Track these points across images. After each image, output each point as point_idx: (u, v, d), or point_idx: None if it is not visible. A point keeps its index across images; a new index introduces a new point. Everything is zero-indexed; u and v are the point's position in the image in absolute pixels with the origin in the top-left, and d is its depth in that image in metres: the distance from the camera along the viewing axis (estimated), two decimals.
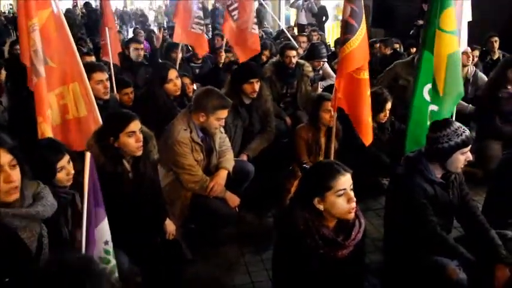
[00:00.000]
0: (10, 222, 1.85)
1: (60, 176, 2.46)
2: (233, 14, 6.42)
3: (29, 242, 1.94)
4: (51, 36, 3.04)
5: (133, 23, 21.57)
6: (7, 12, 19.53)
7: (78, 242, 2.53)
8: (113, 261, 2.53)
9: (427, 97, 3.50)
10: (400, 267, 2.95)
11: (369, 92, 3.63)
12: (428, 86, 3.49)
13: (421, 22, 9.44)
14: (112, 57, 5.94)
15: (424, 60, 3.48)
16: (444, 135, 2.74)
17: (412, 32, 9.69)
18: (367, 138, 3.72)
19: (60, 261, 1.26)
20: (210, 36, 9.86)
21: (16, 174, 1.82)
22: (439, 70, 3.45)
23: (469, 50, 5.57)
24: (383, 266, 3.30)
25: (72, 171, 2.50)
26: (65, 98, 3.10)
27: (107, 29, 6.15)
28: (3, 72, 5.39)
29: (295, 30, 11.80)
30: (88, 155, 2.51)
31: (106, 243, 2.53)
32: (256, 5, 6.44)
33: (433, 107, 3.51)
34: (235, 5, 6.39)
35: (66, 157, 2.49)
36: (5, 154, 1.78)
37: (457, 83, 3.57)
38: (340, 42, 3.57)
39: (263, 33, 10.02)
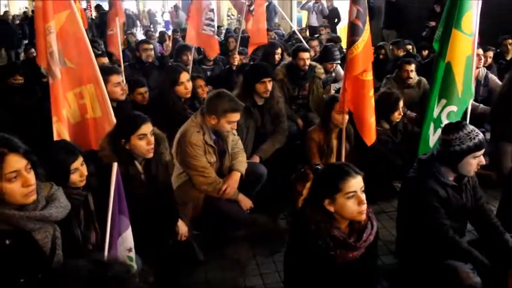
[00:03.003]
0: (25, 225, 1.87)
1: (74, 177, 2.49)
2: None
3: (43, 243, 1.96)
4: (69, 38, 3.09)
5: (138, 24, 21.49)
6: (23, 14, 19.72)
7: (90, 243, 2.57)
8: (135, 267, 2.57)
9: (443, 100, 3.53)
10: (413, 270, 2.94)
11: (371, 93, 3.64)
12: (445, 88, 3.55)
13: (433, 23, 9.42)
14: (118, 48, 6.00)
15: (441, 63, 3.54)
16: (456, 138, 2.71)
17: (424, 33, 9.66)
18: (370, 139, 3.74)
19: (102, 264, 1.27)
20: (222, 38, 9.87)
21: (32, 178, 1.84)
22: (458, 71, 3.48)
23: (481, 51, 5.56)
24: (395, 269, 3.29)
25: (86, 173, 2.53)
26: (84, 98, 3.16)
27: (117, 19, 6.18)
28: (20, 81, 5.45)
29: (307, 33, 11.78)
30: (115, 165, 2.56)
31: (129, 250, 2.58)
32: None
33: (452, 108, 3.53)
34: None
35: (80, 159, 2.51)
36: (21, 159, 1.81)
37: (471, 84, 3.59)
38: (347, 44, 3.57)
39: (275, 35, 10.03)
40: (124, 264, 1.33)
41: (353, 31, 3.47)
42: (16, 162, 1.79)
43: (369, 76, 3.60)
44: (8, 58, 13.31)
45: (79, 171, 2.50)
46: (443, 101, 3.57)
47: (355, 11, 3.44)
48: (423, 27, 9.78)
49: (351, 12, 3.47)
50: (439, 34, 3.76)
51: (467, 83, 3.56)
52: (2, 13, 15.69)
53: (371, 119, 3.67)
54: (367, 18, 3.49)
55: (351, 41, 3.48)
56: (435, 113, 3.59)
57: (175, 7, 20.45)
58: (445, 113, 3.56)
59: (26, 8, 22.54)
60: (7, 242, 1.83)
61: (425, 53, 7.57)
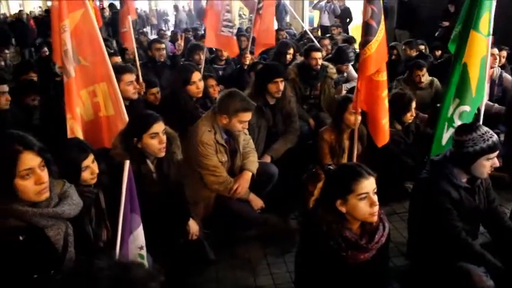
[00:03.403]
0: (38, 221, 1.88)
1: (85, 175, 2.51)
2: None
3: (56, 240, 1.98)
4: (83, 36, 3.13)
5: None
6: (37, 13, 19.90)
7: (101, 241, 2.59)
8: (146, 265, 2.58)
9: (457, 100, 3.52)
10: (424, 272, 2.91)
11: (385, 94, 3.62)
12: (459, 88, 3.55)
13: (446, 23, 9.34)
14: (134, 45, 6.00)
15: (458, 64, 3.54)
16: (470, 140, 2.69)
17: (437, 33, 9.57)
18: (381, 140, 3.72)
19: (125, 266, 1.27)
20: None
21: (46, 175, 1.86)
22: (473, 71, 3.47)
23: (496, 51, 5.51)
24: (406, 271, 3.27)
25: (97, 171, 2.55)
26: (97, 96, 3.19)
27: (129, 17, 6.21)
28: (34, 76, 5.51)
29: (319, 32, 11.75)
30: (127, 163, 2.57)
31: (141, 248, 2.59)
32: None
33: (465, 108, 3.52)
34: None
35: (91, 156, 2.54)
36: (35, 156, 1.82)
37: (484, 84, 3.59)
38: (361, 44, 3.55)
39: (286, 34, 10.01)
40: (143, 267, 1.34)
41: (367, 31, 3.45)
42: (30, 160, 1.80)
43: (383, 77, 3.58)
44: (21, 56, 13.46)
45: (90, 169, 2.52)
46: (457, 101, 3.56)
47: (369, 11, 3.42)
48: (436, 27, 9.69)
49: (365, 12, 3.45)
50: (456, 35, 3.75)
51: (481, 83, 3.55)
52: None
53: (383, 121, 3.65)
54: (382, 17, 3.47)
55: (365, 41, 3.46)
56: (449, 113, 3.58)
57: (175, 7, 20.53)
58: (458, 112, 3.55)
59: (40, 7, 22.76)
60: (21, 238, 1.85)
61: (438, 53, 7.50)
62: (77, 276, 1.26)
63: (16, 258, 1.79)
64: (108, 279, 1.19)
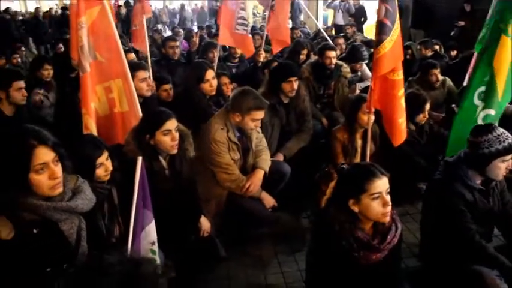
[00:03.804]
0: (51, 215, 1.90)
1: (99, 171, 2.53)
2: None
3: (69, 234, 1.99)
4: (100, 32, 3.16)
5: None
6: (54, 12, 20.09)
7: (114, 237, 2.61)
8: (158, 261, 2.60)
9: (477, 101, 3.49)
10: (437, 274, 2.89)
11: (401, 93, 3.59)
12: (481, 89, 3.53)
13: (462, 23, 9.23)
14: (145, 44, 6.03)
15: (482, 65, 3.52)
16: (485, 141, 2.66)
17: (453, 33, 9.47)
18: (398, 139, 3.68)
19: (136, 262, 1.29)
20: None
21: (59, 170, 1.87)
22: (500, 75, 3.47)
23: None
24: (419, 272, 3.24)
25: (110, 168, 2.57)
26: (113, 92, 3.22)
27: (144, 16, 6.21)
28: (50, 69, 5.58)
29: (333, 31, 11.70)
30: (140, 159, 2.59)
31: (153, 244, 2.61)
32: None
33: (489, 111, 3.50)
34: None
35: (105, 154, 2.56)
36: (49, 151, 1.84)
37: (510, 88, 3.57)
38: (375, 43, 3.52)
39: (300, 33, 9.99)
40: (153, 263, 1.35)
41: (381, 30, 3.43)
42: (44, 154, 1.82)
43: (399, 76, 3.55)
44: (38, 53, 13.61)
45: (104, 166, 2.54)
46: (482, 104, 3.54)
47: (383, 10, 3.39)
48: (452, 27, 9.59)
49: (380, 11, 3.42)
50: (485, 37, 3.72)
51: (508, 87, 3.54)
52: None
53: (400, 120, 3.62)
54: (397, 16, 3.44)
55: (378, 40, 3.43)
56: (472, 114, 3.57)
57: (182, 6, 20.66)
58: (483, 115, 3.53)
59: (56, 5, 22.97)
60: (35, 231, 1.87)
61: (453, 53, 7.41)
62: (88, 270, 1.27)
63: (30, 251, 1.81)
64: (119, 274, 1.20)
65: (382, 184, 2.20)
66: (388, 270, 2.37)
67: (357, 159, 4.18)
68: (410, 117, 4.28)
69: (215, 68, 5.68)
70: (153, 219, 2.63)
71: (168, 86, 4.84)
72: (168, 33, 15.44)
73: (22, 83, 4.22)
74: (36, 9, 16.21)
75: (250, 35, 6.79)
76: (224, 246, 3.59)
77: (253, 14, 20.00)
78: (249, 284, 3.40)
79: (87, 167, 2.46)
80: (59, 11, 17.38)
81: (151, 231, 2.61)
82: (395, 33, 3.43)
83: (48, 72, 5.54)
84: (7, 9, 17.16)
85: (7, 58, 8.18)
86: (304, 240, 3.64)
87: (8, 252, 1.76)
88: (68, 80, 5.71)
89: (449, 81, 5.56)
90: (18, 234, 1.80)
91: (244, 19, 6.48)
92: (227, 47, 7.46)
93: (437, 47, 7.43)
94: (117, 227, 2.68)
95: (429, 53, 7.07)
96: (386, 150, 3.97)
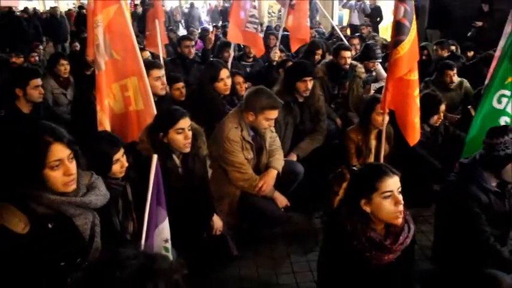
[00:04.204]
0: (66, 210, 1.93)
1: (115, 168, 2.56)
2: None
3: (83, 229, 2.02)
4: (117, 31, 3.19)
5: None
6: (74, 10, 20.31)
7: (128, 233, 2.63)
8: (170, 258, 2.61)
9: (496, 104, 3.45)
10: (450, 277, 2.87)
11: (416, 93, 3.57)
12: (500, 92, 3.51)
13: (479, 23, 9.11)
14: (158, 48, 6.08)
15: (503, 69, 3.50)
16: (501, 143, 2.63)
17: (470, 33, 9.36)
18: (413, 139, 3.67)
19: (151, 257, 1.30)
20: (263, 36, 9.86)
21: (74, 167, 1.90)
22: None
23: None
24: (431, 275, 3.22)
25: (126, 164, 2.60)
26: (128, 90, 3.24)
27: (156, 20, 6.26)
28: (66, 64, 5.64)
29: (348, 31, 11.65)
30: (155, 157, 2.61)
31: (166, 241, 2.63)
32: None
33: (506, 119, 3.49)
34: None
35: (122, 150, 2.58)
36: (64, 148, 1.86)
37: None
38: (392, 43, 3.49)
39: (315, 33, 9.96)
40: (167, 259, 1.36)
41: (399, 30, 3.39)
42: (60, 151, 1.84)
43: (414, 76, 3.53)
44: (55, 51, 13.76)
45: (120, 162, 2.57)
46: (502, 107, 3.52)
47: (402, 10, 3.36)
48: (469, 27, 9.47)
49: (398, 11, 3.39)
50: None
51: None
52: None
53: (415, 119, 3.60)
54: (414, 16, 3.41)
55: (397, 41, 3.40)
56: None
57: (190, 4, 20.81)
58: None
59: (74, 4, 23.23)
60: (50, 225, 1.89)
61: (470, 54, 7.31)
62: (103, 264, 1.28)
63: (45, 245, 1.84)
64: (134, 268, 1.21)
65: (393, 183, 2.19)
66: (401, 272, 2.36)
67: (371, 160, 4.16)
68: (425, 118, 4.25)
69: (230, 67, 5.69)
70: (167, 217, 2.65)
71: (180, 85, 4.85)
72: (182, 31, 15.51)
73: (39, 81, 4.29)
74: (53, 8, 16.38)
75: (260, 34, 6.78)
76: (236, 245, 3.59)
77: (269, 13, 20.03)
78: (261, 283, 3.40)
79: (104, 163, 2.49)
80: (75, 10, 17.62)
81: (164, 228, 2.64)
82: (412, 33, 3.41)
83: (64, 67, 5.62)
84: (25, 9, 17.43)
85: (25, 57, 8.29)
86: (316, 240, 3.63)
87: (23, 246, 1.79)
88: (84, 77, 5.78)
89: (466, 83, 5.50)
90: (34, 228, 1.83)
91: (256, 17, 6.47)
92: (242, 46, 7.48)
93: (453, 47, 7.36)
94: (132, 224, 2.70)
95: (445, 54, 7.00)
96: (400, 151, 3.94)
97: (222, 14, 19.60)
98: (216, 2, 24.51)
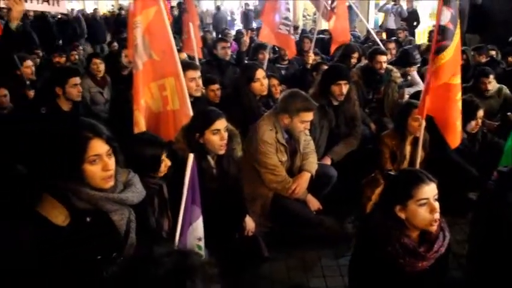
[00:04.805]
0: (103, 205, 1.98)
1: (161, 167, 2.62)
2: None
3: (119, 225, 2.07)
4: (156, 32, 3.26)
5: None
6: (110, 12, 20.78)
7: (164, 231, 2.68)
8: (203, 256, 2.65)
9: None
10: None
11: (458, 96, 3.50)
12: None
13: None
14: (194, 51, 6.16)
15: None
16: None
17: (511, 38, 9.09)
18: (454, 141, 3.62)
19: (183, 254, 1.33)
20: (298, 39, 9.85)
21: (112, 163, 1.94)
22: None
23: None
24: (465, 285, 3.15)
25: (169, 164, 2.65)
26: (166, 90, 3.31)
27: (191, 24, 6.34)
28: (99, 63, 5.78)
29: (384, 35, 11.50)
30: (191, 156, 2.66)
31: (199, 239, 2.67)
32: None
33: None
34: None
35: (165, 151, 2.64)
36: (103, 144, 1.91)
37: None
38: (435, 49, 3.42)
39: (351, 37, 9.88)
40: (200, 255, 1.39)
41: (444, 35, 3.33)
42: (99, 146, 1.89)
43: (457, 80, 3.47)
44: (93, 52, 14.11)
45: (164, 162, 2.63)
46: None
47: (448, 14, 3.30)
48: (510, 32, 9.20)
49: (442, 15, 3.33)
50: None
51: None
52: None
53: (457, 122, 3.54)
54: (458, 20, 3.35)
55: (441, 47, 3.34)
56: None
57: (217, 7, 20.94)
58: None
59: (112, 6, 23.78)
60: (88, 219, 1.95)
61: (511, 59, 7.11)
62: (138, 260, 1.31)
63: (83, 238, 1.89)
64: (169, 264, 1.24)
65: (429, 190, 2.16)
66: (434, 280, 2.32)
67: (405, 166, 4.10)
68: (462, 125, 4.16)
69: (265, 69, 5.71)
70: (201, 216, 2.68)
71: (215, 87, 4.87)
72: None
73: (77, 79, 4.39)
74: (95, 10, 16.83)
75: (293, 37, 6.78)
76: (268, 247, 3.59)
77: (304, 16, 19.95)
78: (291, 286, 3.40)
79: (153, 163, 2.58)
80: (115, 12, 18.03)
81: (198, 227, 2.67)
82: (456, 37, 3.35)
83: (97, 66, 5.75)
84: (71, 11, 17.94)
85: (67, 56, 8.52)
86: (348, 245, 3.61)
87: (63, 238, 1.84)
88: (121, 78, 5.90)
89: (505, 89, 5.35)
90: (73, 221, 1.88)
91: (289, 20, 6.47)
92: (276, 48, 7.49)
93: (493, 52, 7.16)
94: (167, 222, 2.75)
95: (483, 59, 6.82)
96: (436, 158, 3.88)
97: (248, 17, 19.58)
98: (251, 3, 24.62)
